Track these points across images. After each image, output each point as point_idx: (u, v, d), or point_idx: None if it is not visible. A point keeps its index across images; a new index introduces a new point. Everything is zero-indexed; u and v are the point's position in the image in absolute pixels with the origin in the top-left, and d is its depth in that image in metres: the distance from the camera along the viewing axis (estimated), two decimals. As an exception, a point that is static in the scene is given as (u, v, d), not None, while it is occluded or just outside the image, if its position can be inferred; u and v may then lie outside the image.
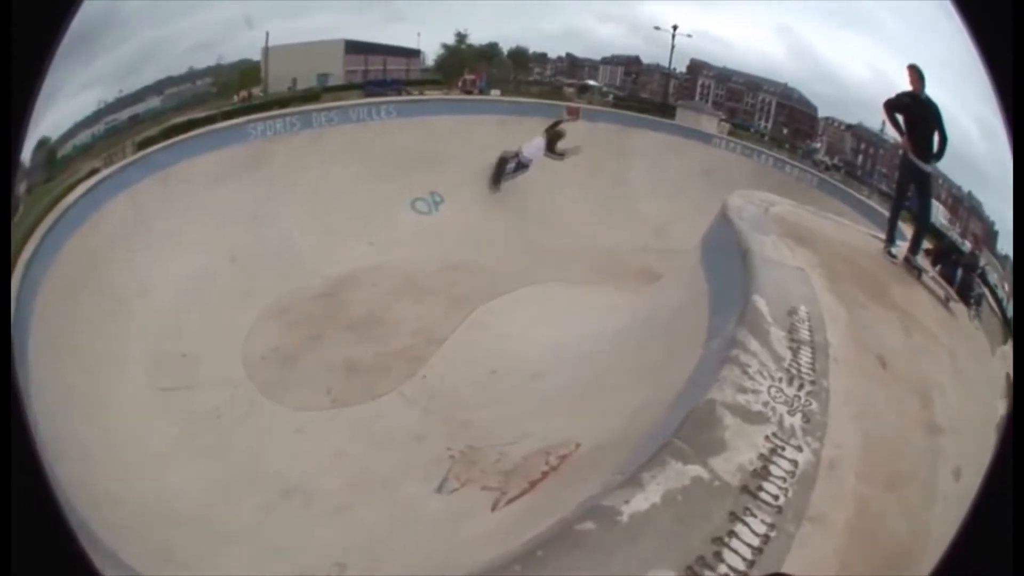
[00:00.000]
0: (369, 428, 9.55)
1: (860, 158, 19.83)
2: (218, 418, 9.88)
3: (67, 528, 4.21)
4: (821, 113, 21.04)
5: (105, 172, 13.80)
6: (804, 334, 5.92)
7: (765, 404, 4.87)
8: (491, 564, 3.77)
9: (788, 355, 5.50)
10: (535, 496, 6.35)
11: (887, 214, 15.00)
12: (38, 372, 8.40)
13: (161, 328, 11.65)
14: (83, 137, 14.40)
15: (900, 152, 9.83)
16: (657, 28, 21.35)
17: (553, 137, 17.17)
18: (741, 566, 3.64)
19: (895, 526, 4.58)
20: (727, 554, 3.68)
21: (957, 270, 9.99)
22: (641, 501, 3.85)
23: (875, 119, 18.86)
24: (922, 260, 9.40)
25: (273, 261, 13.78)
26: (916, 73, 8.95)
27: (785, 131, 21.35)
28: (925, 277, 9.01)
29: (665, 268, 13.01)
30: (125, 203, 13.30)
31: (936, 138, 8.97)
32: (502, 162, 17.16)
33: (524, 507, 6.20)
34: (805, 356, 5.59)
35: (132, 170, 14.05)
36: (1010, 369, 7.18)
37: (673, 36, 21.35)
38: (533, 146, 17.07)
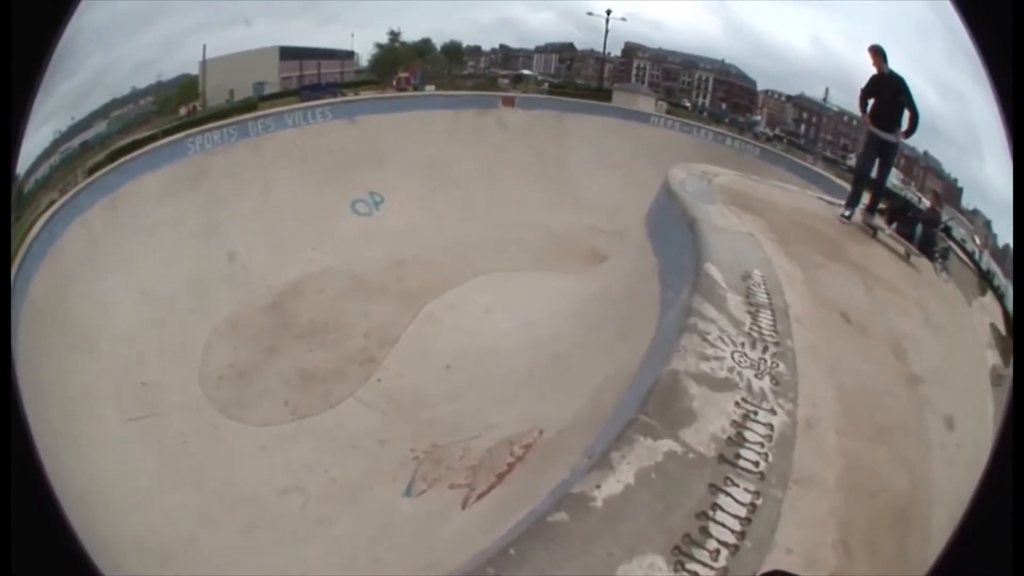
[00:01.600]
0: (332, 437, 9.41)
1: (803, 127, 19.98)
2: (185, 443, 9.67)
3: (67, 528, 4.15)
4: (761, 86, 21.14)
5: (60, 202, 13.49)
6: (762, 297, 5.78)
7: (730, 370, 4.64)
8: (464, 567, 3.55)
9: (747, 319, 5.32)
10: (504, 489, 6.22)
11: (834, 179, 15.12)
12: (33, 419, 8.10)
13: (123, 358, 11.36)
14: (43, 170, 14.24)
15: (866, 128, 9.81)
16: (590, 14, 21.36)
17: None
18: (731, 539, 3.36)
19: (892, 479, 4.44)
20: (714, 528, 3.40)
21: (916, 226, 10.05)
22: (614, 484, 3.52)
23: (817, 89, 19.08)
24: (877, 220, 9.47)
25: (221, 276, 13.54)
26: (878, 53, 9.05)
27: (724, 106, 21.43)
28: (882, 235, 9.08)
29: (610, 247, 13.20)
30: (78, 231, 13.14)
31: (906, 112, 8.99)
32: None
33: (495, 501, 6.06)
34: (765, 319, 5.42)
35: (82, 196, 13.90)
36: (994, 320, 7.70)
37: (607, 21, 21.34)
38: None
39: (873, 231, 9.12)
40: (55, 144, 14.45)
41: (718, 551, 3.26)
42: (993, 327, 7.82)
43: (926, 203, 12.26)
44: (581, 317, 9.01)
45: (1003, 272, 8.96)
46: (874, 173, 9.93)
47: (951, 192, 12.35)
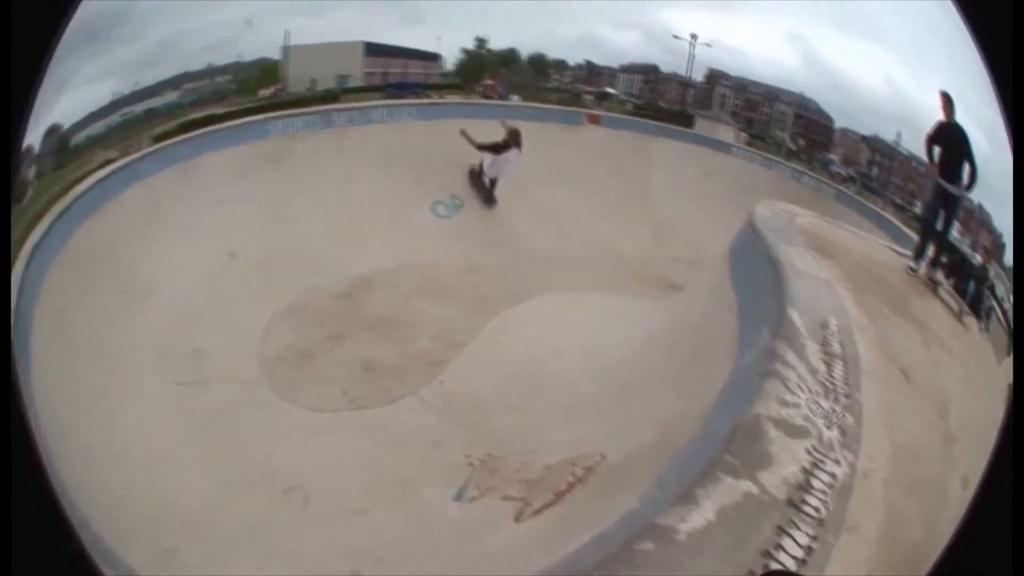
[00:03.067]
0: (386, 431, 9.38)
1: (875, 169, 19.64)
2: (228, 415, 9.65)
3: (68, 528, 4.22)
4: (836, 124, 20.75)
5: (120, 162, 13.84)
6: (836, 347, 5.98)
7: (805, 418, 4.95)
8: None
9: (823, 368, 5.56)
10: (562, 508, 6.32)
11: (901, 226, 14.90)
12: (41, 363, 8.33)
13: (173, 322, 11.49)
14: (97, 127, 14.51)
15: (935, 178, 9.84)
16: (676, 37, 21.19)
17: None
18: None
19: (914, 529, 4.72)
20: (774, 566, 3.78)
21: (969, 283, 10.06)
22: (698, 518, 3.92)
23: (888, 130, 18.69)
24: (939, 274, 9.50)
25: (291, 258, 13.63)
26: (947, 100, 9.08)
27: (802, 142, 21.17)
28: (941, 290, 9.14)
29: (683, 276, 13.14)
30: (140, 193, 13.35)
31: (967, 166, 9.08)
32: (478, 177, 17.10)
33: (551, 519, 6.17)
34: (838, 369, 5.66)
35: (148, 161, 14.16)
36: (1011, 379, 7.70)
37: (691, 45, 21.26)
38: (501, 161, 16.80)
39: (935, 285, 9.20)
40: (114, 105, 14.89)
41: None
42: (1008, 388, 8.17)
43: (978, 258, 12.21)
44: (653, 345, 9.05)
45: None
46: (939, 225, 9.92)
47: (997, 247, 12.36)
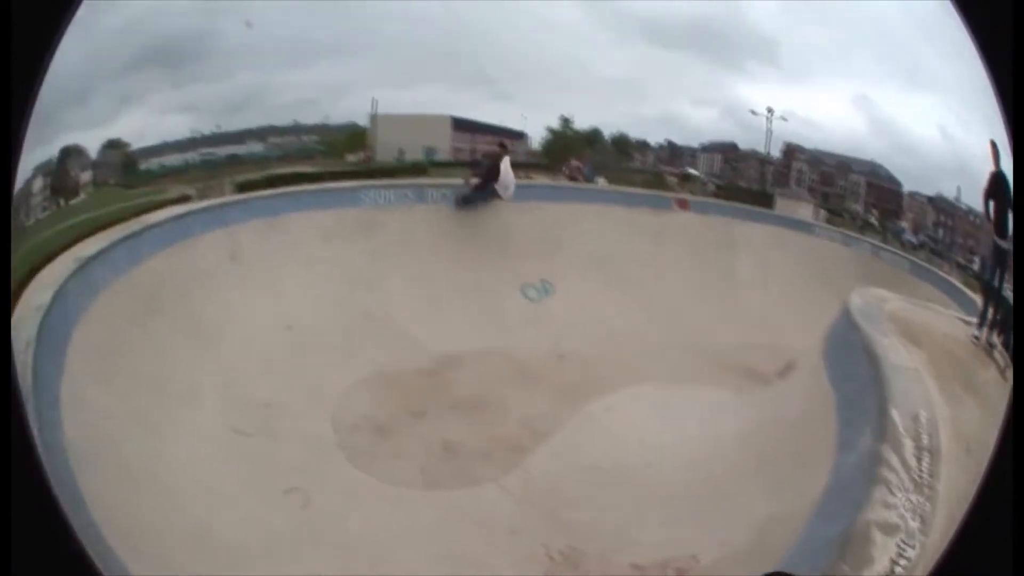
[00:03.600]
0: (461, 514, 9.13)
1: (940, 232, 19.22)
2: (295, 472, 9.54)
3: (67, 528, 4.34)
4: (904, 188, 20.42)
5: (202, 204, 14.32)
6: (925, 440, 6.03)
7: (900, 516, 5.14)
8: None
9: (915, 463, 5.68)
10: None
11: (964, 289, 14.52)
12: (76, 380, 8.22)
13: (244, 371, 11.46)
14: (173, 160, 15.68)
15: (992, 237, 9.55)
16: (753, 112, 21.10)
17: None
18: None
19: None
20: None
21: (1010, 337, 9.49)
22: None
23: (949, 185, 18.33)
24: (995, 336, 9.30)
25: (376, 329, 13.70)
26: (994, 149, 8.68)
27: (875, 212, 20.88)
28: (995, 352, 8.93)
29: (771, 367, 12.94)
30: (223, 239, 13.55)
31: (1010, 215, 8.80)
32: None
33: None
34: (926, 462, 5.75)
35: (234, 209, 14.47)
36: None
37: (768, 120, 21.16)
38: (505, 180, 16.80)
39: (991, 348, 8.97)
40: (192, 142, 15.89)
41: None
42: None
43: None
44: (746, 443, 8.98)
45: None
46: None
47: None
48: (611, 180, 21.84)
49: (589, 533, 8.19)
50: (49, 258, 10.29)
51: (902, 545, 4.90)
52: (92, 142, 14.00)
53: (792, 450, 7.63)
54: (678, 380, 12.96)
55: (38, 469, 4.45)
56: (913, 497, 5.30)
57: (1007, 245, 9.00)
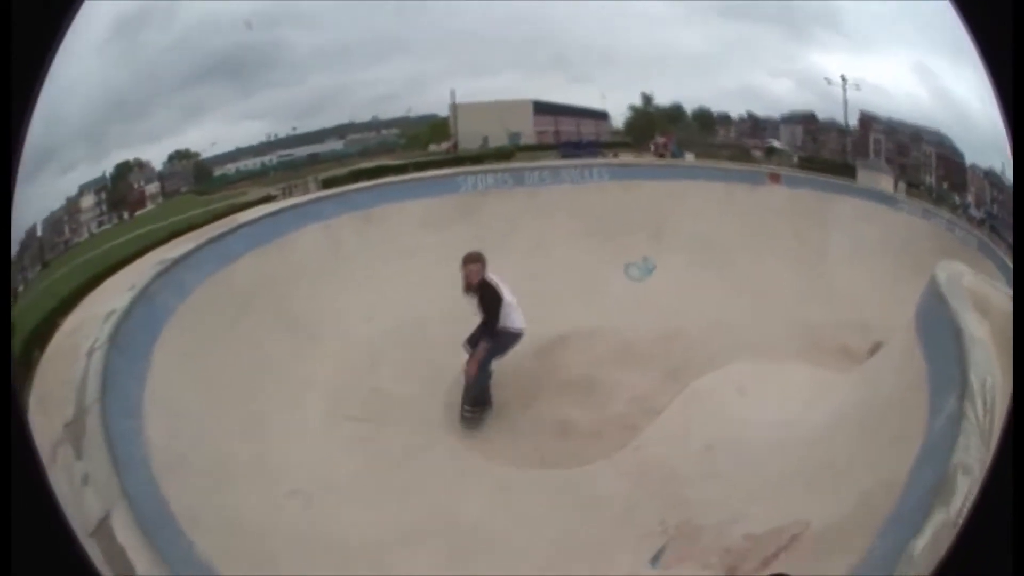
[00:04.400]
0: (577, 493, 9.55)
1: (995, 207, 18.92)
2: (407, 458, 10.20)
3: (67, 529, 4.54)
4: (967, 160, 19.87)
5: (293, 200, 15.49)
6: (989, 402, 6.58)
7: (975, 461, 5.74)
8: None
9: (984, 420, 6.30)
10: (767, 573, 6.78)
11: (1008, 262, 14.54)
12: (164, 380, 8.80)
13: (353, 361, 12.26)
14: (249, 164, 16.54)
15: None
16: (828, 81, 21.02)
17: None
18: None
19: None
20: None
21: None
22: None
23: (996, 160, 17.88)
24: None
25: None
26: None
27: (945, 185, 20.69)
28: None
29: (863, 344, 13.26)
30: (319, 234, 14.59)
31: None
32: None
33: None
34: (989, 420, 6.33)
35: (327, 204, 15.50)
36: None
37: (843, 89, 21.03)
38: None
39: None
40: (268, 145, 16.75)
41: None
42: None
43: None
44: (847, 418, 9.16)
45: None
46: None
47: None
48: (698, 156, 22.06)
49: (703, 508, 8.49)
50: (116, 267, 11.25)
51: (971, 490, 5.44)
52: (154, 155, 14.94)
53: (889, 421, 7.92)
54: (779, 357, 13.15)
55: (38, 469, 4.67)
56: (983, 448, 5.91)
57: None
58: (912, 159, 21.20)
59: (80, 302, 9.70)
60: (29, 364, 7.75)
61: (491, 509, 9.10)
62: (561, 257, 16.06)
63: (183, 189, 15.36)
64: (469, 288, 11.74)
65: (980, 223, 19.06)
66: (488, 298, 11.57)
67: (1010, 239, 17.61)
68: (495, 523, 8.71)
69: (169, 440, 7.74)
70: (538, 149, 21.24)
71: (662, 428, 11.09)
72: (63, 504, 4.83)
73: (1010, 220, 17.67)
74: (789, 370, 12.68)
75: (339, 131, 18.45)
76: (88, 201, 13.34)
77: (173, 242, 12.22)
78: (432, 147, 20.38)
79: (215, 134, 15.75)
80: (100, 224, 13.43)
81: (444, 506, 9.06)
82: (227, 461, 8.62)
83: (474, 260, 11.72)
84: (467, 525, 8.65)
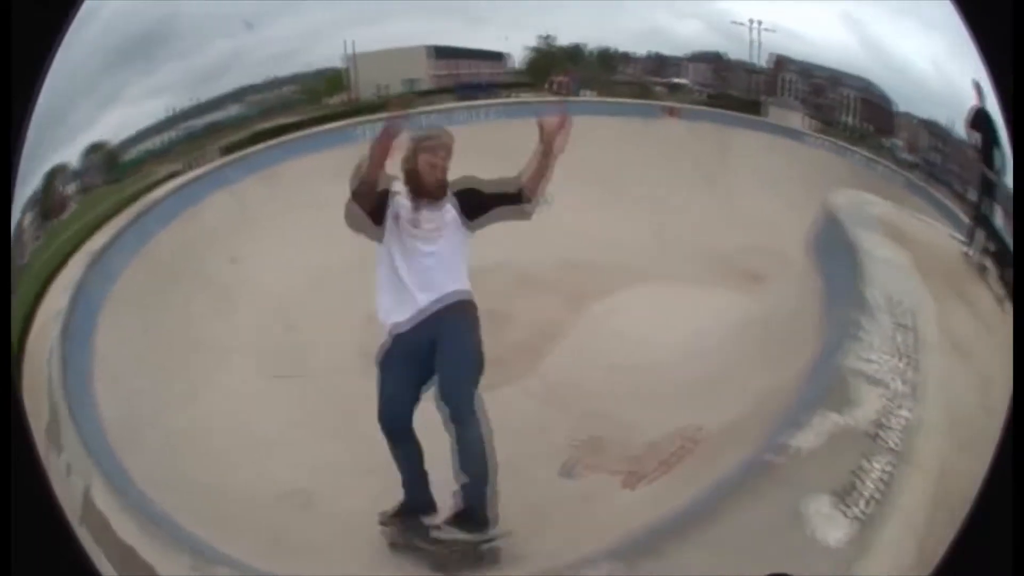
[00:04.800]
0: (490, 419, 9.29)
1: (934, 155, 19.62)
2: (334, 405, 10.33)
3: (67, 529, 4.74)
4: (898, 108, 20.47)
5: (198, 171, 15.38)
6: (906, 320, 6.81)
7: (881, 372, 5.87)
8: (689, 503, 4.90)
9: (894, 336, 6.48)
10: (670, 475, 7.08)
11: (960, 214, 15.00)
12: (107, 356, 9.39)
13: (272, 318, 12.56)
14: (154, 142, 15.94)
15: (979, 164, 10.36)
16: (736, 23, 21.47)
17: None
18: (874, 494, 4.76)
19: (964, 484, 5.24)
20: (860, 484, 4.81)
21: (1010, 270, 9.74)
22: (804, 439, 5.10)
23: (942, 114, 18.57)
24: (989, 262, 9.80)
25: None
26: (977, 89, 9.26)
27: (868, 127, 21.32)
28: (989, 276, 9.46)
29: (770, 269, 13.53)
30: (225, 199, 14.77)
31: (995, 151, 9.57)
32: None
33: (662, 485, 6.93)
34: (906, 338, 6.54)
35: (229, 170, 15.62)
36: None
37: (753, 31, 21.43)
38: None
39: (983, 271, 9.56)
40: (171, 121, 16.22)
41: (866, 500, 4.69)
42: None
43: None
44: (744, 333, 9.66)
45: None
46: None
47: None
48: (599, 94, 22.39)
49: (607, 422, 8.91)
50: (53, 276, 11.16)
51: (889, 403, 5.61)
52: (75, 154, 14.47)
53: (785, 333, 8.31)
54: (678, 280, 13.77)
55: (38, 469, 4.87)
56: (894, 362, 6.11)
57: (994, 178, 9.80)
58: (828, 100, 21.69)
59: (34, 317, 9.71)
60: (14, 385, 7.85)
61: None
62: None
63: (98, 182, 14.88)
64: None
65: (911, 166, 19.63)
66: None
67: (953, 186, 18.62)
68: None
69: (120, 417, 8.09)
70: (435, 93, 21.38)
71: (566, 351, 11.62)
72: (62, 505, 5.25)
73: (955, 171, 18.58)
74: (689, 291, 13.28)
75: (237, 95, 18.05)
76: (27, 220, 13.08)
77: (96, 235, 12.51)
78: (330, 100, 20.25)
79: (122, 118, 15.33)
80: (37, 239, 13.13)
81: (370, 445, 8.38)
82: (171, 432, 8.89)
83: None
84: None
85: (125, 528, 5.66)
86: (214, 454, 8.66)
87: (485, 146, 17.05)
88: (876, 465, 5.02)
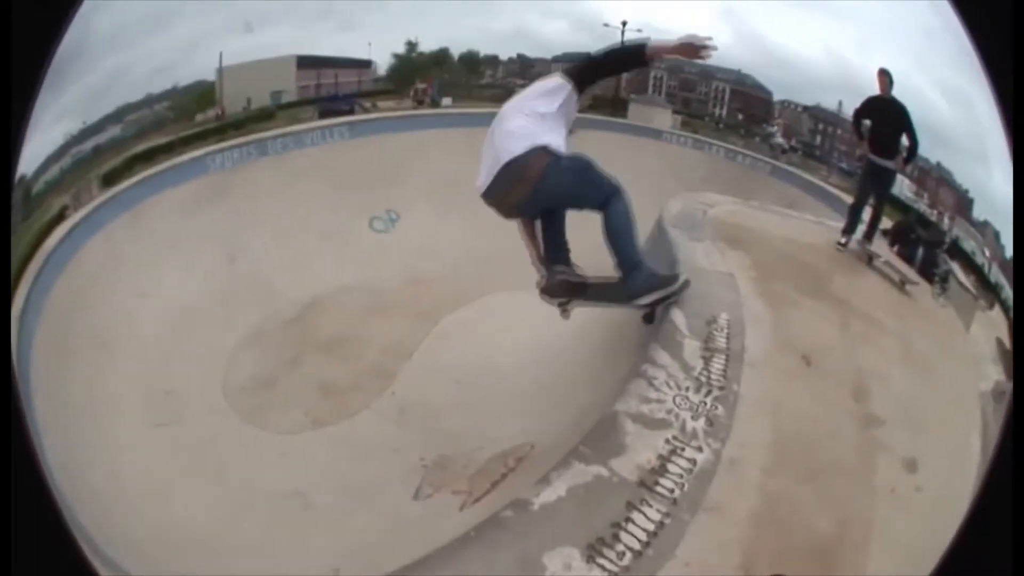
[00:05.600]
0: (347, 444, 10.53)
1: (819, 139, 20.07)
2: (207, 447, 10.84)
3: (67, 531, 4.49)
4: (777, 97, 21.61)
5: (80, 214, 14.98)
6: (720, 342, 6.67)
7: (668, 411, 5.68)
8: (434, 549, 4.76)
9: (699, 364, 6.28)
10: (495, 495, 7.12)
11: (845, 197, 15.31)
12: (46, 426, 8.93)
13: (147, 365, 12.64)
14: (52, 172, 15.57)
15: (861, 153, 10.63)
16: (606, 25, 22.13)
17: None
18: (637, 546, 4.48)
19: (815, 519, 5.13)
20: (624, 536, 4.59)
21: (917, 250, 10.55)
22: (550, 494, 4.86)
23: (831, 99, 19.22)
24: (878, 244, 10.15)
25: (246, 290, 14.85)
26: (886, 77, 9.74)
27: (740, 117, 21.84)
28: (877, 262, 9.69)
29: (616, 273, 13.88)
30: (101, 244, 14.46)
31: (905, 139, 9.78)
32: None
33: (487, 505, 6.88)
34: (718, 364, 6.34)
35: (103, 210, 15.37)
36: (1000, 334, 8.24)
37: (622, 32, 21.85)
38: None
39: (869, 258, 9.76)
40: (65, 147, 15.79)
41: (624, 553, 4.48)
42: (999, 341, 8.37)
43: (936, 217, 12.75)
44: (583, 339, 9.74)
45: (1011, 285, 9.56)
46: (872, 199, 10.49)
47: (962, 204, 12.89)
48: (458, 98, 22.91)
49: (454, 439, 9.35)
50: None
51: (676, 443, 5.39)
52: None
53: (608, 346, 8.43)
54: (523, 290, 13.77)
55: (38, 472, 4.56)
56: (692, 396, 5.87)
57: (893, 166, 10.05)
58: (699, 94, 22.21)
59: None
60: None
61: (282, 474, 10.03)
62: (309, 221, 16.73)
63: (18, 221, 14.68)
64: None
65: (787, 151, 20.94)
66: None
67: (840, 165, 19.22)
68: (286, 486, 9.51)
69: (61, 467, 8.04)
70: (298, 106, 21.66)
71: (414, 369, 12.23)
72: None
73: (841, 148, 19.25)
74: (532, 298, 13.08)
75: (118, 115, 17.89)
76: None
77: (18, 290, 12.13)
78: (199, 116, 20.26)
79: (36, 148, 15.02)
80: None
81: (247, 481, 9.82)
82: (89, 479, 9.20)
83: None
84: (269, 494, 9.40)
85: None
86: (125, 505, 9.10)
87: (334, 167, 17.81)
88: (645, 515, 4.82)
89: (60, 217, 14.96)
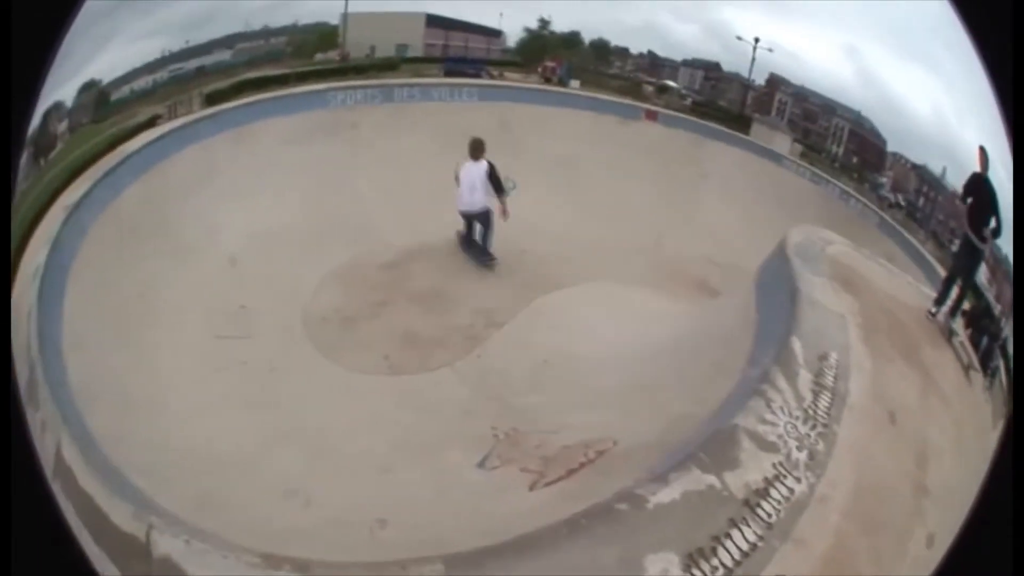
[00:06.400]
0: (420, 397, 10.33)
1: (922, 201, 19.65)
2: (271, 371, 10.75)
3: (67, 532, 4.66)
4: (889, 147, 20.76)
5: (175, 124, 15.12)
6: (829, 380, 6.68)
7: (779, 436, 5.80)
8: (540, 528, 4.70)
9: (809, 397, 6.32)
10: (570, 483, 7.01)
11: (938, 266, 15.16)
12: (75, 315, 9.59)
13: (223, 279, 12.65)
14: (142, 83, 15.85)
15: (960, 228, 10.42)
16: (739, 38, 21.60)
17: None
18: (729, 563, 4.68)
19: (863, 568, 5.31)
20: (720, 551, 4.72)
21: (983, 337, 10.37)
22: (666, 495, 4.95)
23: (935, 160, 18.69)
24: (958, 323, 9.87)
25: (343, 227, 14.78)
26: (983, 155, 9.38)
27: (855, 160, 21.40)
28: (955, 340, 9.51)
29: (721, 284, 14.03)
30: (196, 155, 14.58)
31: (993, 221, 9.40)
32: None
33: (559, 491, 6.86)
34: (824, 400, 6.39)
35: (204, 124, 15.42)
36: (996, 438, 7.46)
37: (754, 48, 21.63)
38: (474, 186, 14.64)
39: (949, 334, 9.52)
40: (162, 62, 16.15)
41: (717, 568, 4.60)
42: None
43: (998, 309, 12.38)
44: (678, 347, 9.71)
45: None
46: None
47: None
48: (586, 84, 22.52)
49: (531, 417, 9.11)
50: (35, 222, 11.20)
51: (780, 469, 5.51)
52: (71, 93, 14.40)
53: (711, 360, 8.24)
54: (626, 283, 14.06)
55: (38, 471, 4.89)
56: (800, 427, 5.95)
57: (981, 246, 9.68)
58: (819, 127, 21.82)
59: (17, 268, 9.74)
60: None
61: (340, 412, 9.83)
62: (421, 174, 16.40)
63: (84, 121, 14.75)
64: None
65: (893, 206, 19.98)
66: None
67: (937, 234, 18.73)
68: (342, 426, 9.35)
69: (85, 379, 8.39)
70: (423, 62, 21.59)
71: (504, 340, 11.96)
72: (39, 459, 5.58)
73: (939, 218, 18.82)
74: (634, 294, 13.61)
75: (228, 41, 18.08)
76: (24, 159, 13.10)
77: (75, 183, 12.49)
78: (319, 56, 20.43)
79: (116, 58, 15.26)
80: (26, 180, 13.17)
81: (302, 413, 9.66)
82: (126, 393, 9.22)
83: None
84: (321, 428, 9.23)
85: (87, 480, 5.85)
86: (156, 413, 9.03)
87: (456, 126, 17.51)
88: (743, 534, 4.92)
89: (150, 124, 15.29)
